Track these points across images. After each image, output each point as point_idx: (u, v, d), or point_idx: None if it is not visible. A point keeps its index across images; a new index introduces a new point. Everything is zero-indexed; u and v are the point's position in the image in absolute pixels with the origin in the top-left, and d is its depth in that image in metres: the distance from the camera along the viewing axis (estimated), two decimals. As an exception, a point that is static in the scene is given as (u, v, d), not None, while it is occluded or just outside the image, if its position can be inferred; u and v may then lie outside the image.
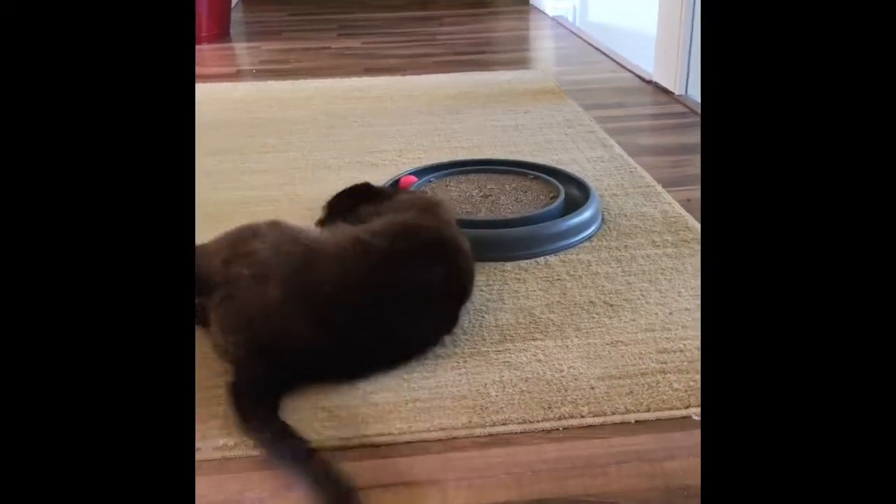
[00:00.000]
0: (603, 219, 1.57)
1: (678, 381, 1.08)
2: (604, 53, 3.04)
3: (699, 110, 2.25)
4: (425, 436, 1.00)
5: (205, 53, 3.26)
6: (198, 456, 0.97)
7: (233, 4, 3.86)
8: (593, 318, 1.25)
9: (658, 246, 1.47)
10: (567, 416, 1.03)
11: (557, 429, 1.01)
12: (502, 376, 1.10)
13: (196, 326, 1.15)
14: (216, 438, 0.99)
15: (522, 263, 1.42)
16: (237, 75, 2.89)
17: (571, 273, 1.38)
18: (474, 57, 3.09)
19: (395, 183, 1.67)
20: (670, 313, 1.25)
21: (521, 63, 3.02)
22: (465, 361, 1.14)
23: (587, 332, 1.21)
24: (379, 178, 1.72)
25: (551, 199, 1.57)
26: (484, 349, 1.17)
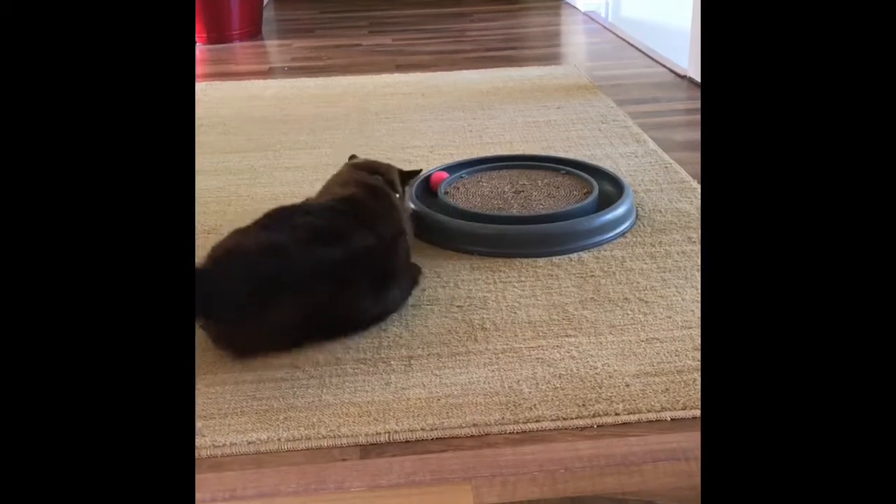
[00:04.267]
0: (637, 215, 1.55)
1: (715, 379, 1.06)
2: (637, 48, 3.01)
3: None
4: (457, 432, 0.99)
5: (237, 51, 3.29)
6: (231, 450, 0.97)
7: (265, 2, 3.88)
8: (627, 314, 1.23)
9: (693, 242, 1.45)
10: (601, 413, 1.01)
11: (592, 426, 1.00)
12: (535, 373, 1.09)
13: None
14: (249, 432, 1.00)
15: (555, 259, 1.40)
16: (269, 72, 2.90)
17: (605, 269, 1.37)
18: (505, 53, 3.07)
19: (427, 179, 1.67)
20: (706, 310, 1.23)
21: (553, 59, 3.00)
22: (497, 357, 1.13)
23: (621, 329, 1.19)
24: (410, 174, 1.71)
25: (584, 194, 1.56)
26: (517, 345, 1.16)
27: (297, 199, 1.68)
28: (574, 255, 1.41)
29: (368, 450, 0.97)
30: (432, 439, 0.98)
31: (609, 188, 1.60)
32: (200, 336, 1.17)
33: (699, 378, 1.07)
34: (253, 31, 3.52)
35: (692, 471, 0.92)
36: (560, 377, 1.08)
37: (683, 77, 2.58)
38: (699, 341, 1.15)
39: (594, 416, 1.01)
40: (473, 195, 1.59)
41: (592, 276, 1.35)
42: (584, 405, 1.03)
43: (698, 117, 2.21)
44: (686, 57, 2.60)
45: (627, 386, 1.06)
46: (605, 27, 3.45)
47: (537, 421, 1.00)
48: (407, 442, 0.98)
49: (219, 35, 3.37)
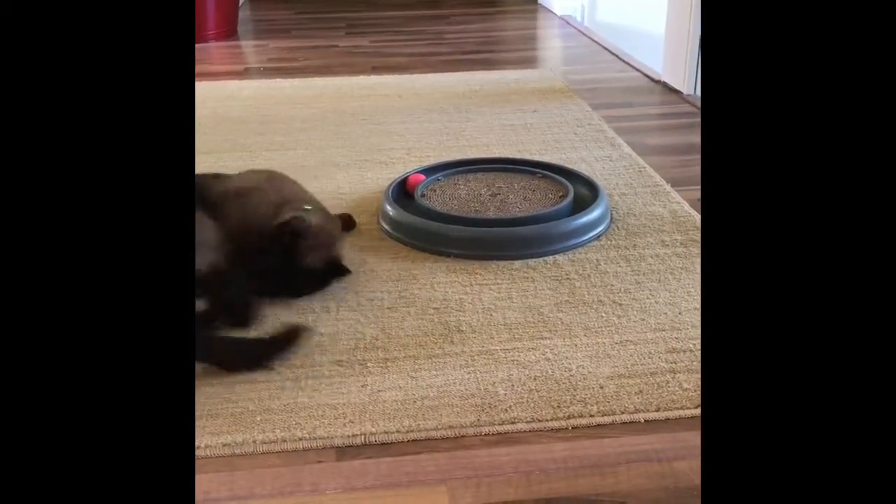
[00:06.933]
0: (612, 218, 1.57)
1: (688, 381, 1.08)
2: (612, 53, 3.03)
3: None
4: (433, 434, 0.99)
5: (212, 51, 3.27)
6: (205, 452, 0.97)
7: (240, 2, 3.86)
8: (602, 317, 1.24)
9: (667, 245, 1.47)
10: (576, 415, 1.02)
11: (566, 428, 1.01)
12: (511, 375, 1.10)
13: None
14: (224, 435, 0.99)
15: (531, 262, 1.41)
16: (245, 73, 2.89)
17: (580, 272, 1.38)
18: (482, 56, 3.08)
19: (404, 181, 1.67)
20: (679, 313, 1.24)
21: (530, 62, 3.02)
22: (473, 359, 1.14)
23: (596, 332, 1.20)
24: (388, 176, 1.72)
25: (560, 198, 1.57)
26: (492, 347, 1.16)
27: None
28: (549, 258, 1.42)
29: (344, 452, 0.97)
30: (408, 441, 0.99)
31: (584, 191, 1.62)
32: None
33: (672, 380, 1.08)
34: (228, 32, 3.50)
35: (665, 472, 0.93)
36: (535, 379, 1.09)
37: (657, 81, 2.61)
38: (673, 343, 1.16)
39: (569, 417, 1.02)
40: (450, 198, 1.59)
41: (567, 278, 1.36)
42: (558, 407, 1.03)
43: (671, 122, 2.23)
44: (660, 61, 2.63)
45: (601, 388, 1.07)
46: (580, 31, 3.48)
47: (512, 423, 1.01)
48: (383, 444, 0.98)
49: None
